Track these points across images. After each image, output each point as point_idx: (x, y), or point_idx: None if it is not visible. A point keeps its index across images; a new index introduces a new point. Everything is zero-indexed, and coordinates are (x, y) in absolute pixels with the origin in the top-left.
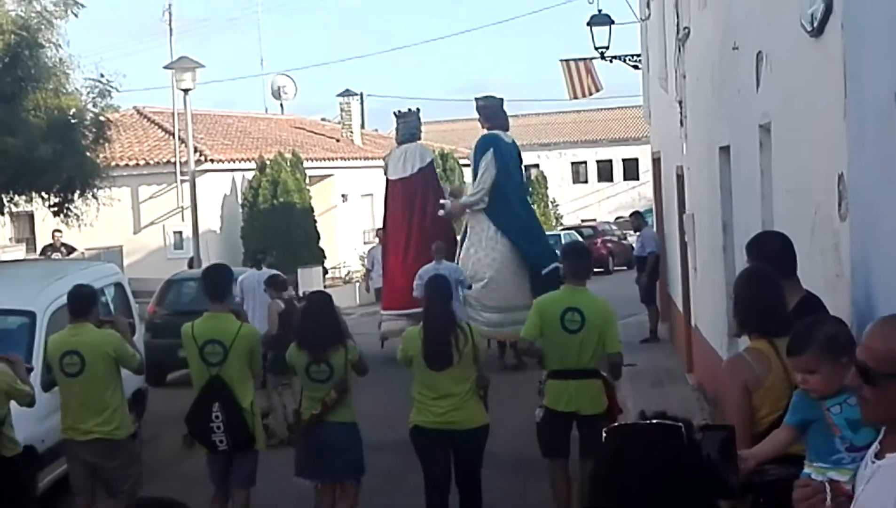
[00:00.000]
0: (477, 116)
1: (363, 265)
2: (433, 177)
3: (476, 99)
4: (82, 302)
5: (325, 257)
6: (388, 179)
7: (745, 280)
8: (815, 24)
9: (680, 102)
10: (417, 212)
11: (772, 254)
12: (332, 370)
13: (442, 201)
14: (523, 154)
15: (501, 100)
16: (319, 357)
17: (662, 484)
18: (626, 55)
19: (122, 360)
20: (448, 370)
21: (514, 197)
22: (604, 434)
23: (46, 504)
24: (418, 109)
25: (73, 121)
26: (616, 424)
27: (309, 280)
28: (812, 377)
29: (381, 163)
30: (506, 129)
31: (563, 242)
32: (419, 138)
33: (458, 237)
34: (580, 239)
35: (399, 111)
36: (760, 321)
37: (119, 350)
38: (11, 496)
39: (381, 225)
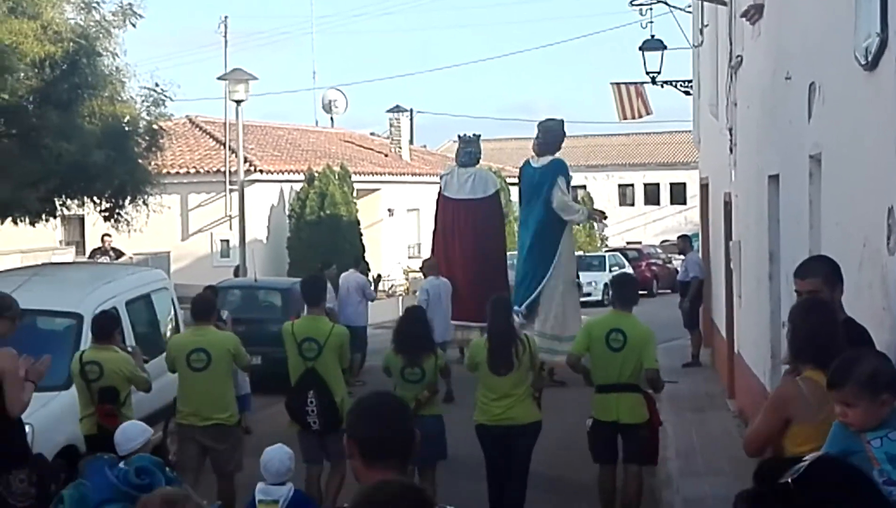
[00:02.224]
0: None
1: (406, 280)
2: (498, 204)
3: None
4: (205, 307)
5: (369, 270)
6: (446, 197)
7: (803, 310)
8: (870, 58)
9: (730, 130)
10: (480, 232)
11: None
12: (423, 373)
13: None
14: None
15: (557, 122)
16: (414, 362)
17: None
18: (678, 81)
19: (238, 357)
20: (509, 374)
21: (531, 222)
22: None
23: None
24: (479, 136)
25: (126, 128)
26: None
27: None
28: (850, 411)
29: (428, 179)
30: (540, 152)
31: (607, 263)
32: (478, 163)
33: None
34: (625, 261)
35: (462, 135)
36: (815, 352)
37: (237, 349)
38: None
39: (420, 242)
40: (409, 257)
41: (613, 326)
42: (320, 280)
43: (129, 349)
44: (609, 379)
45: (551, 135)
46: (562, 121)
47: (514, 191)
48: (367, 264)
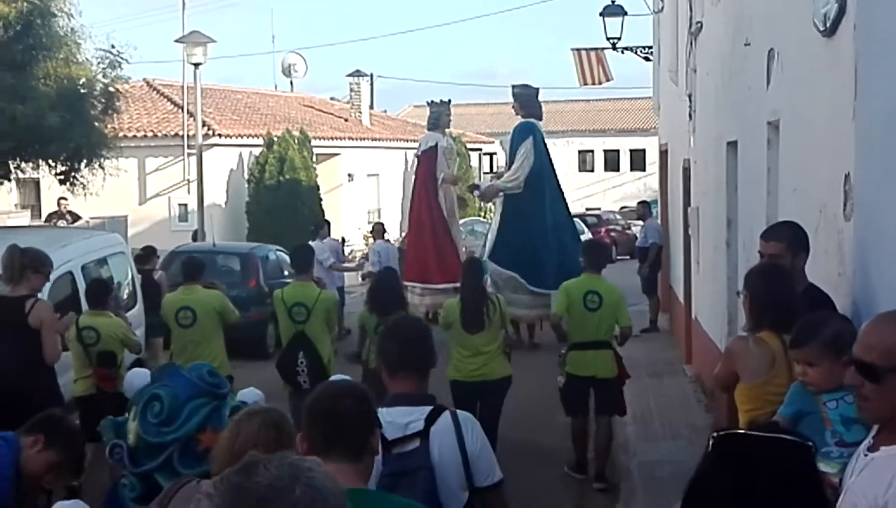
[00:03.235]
0: (512, 102)
1: (366, 244)
2: (429, 161)
3: (513, 86)
4: (194, 268)
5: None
6: None
7: (761, 275)
8: (828, 24)
9: (689, 96)
10: (419, 193)
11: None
12: None
13: (476, 183)
14: None
15: (537, 90)
16: (387, 320)
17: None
18: (638, 47)
19: (224, 314)
20: (481, 333)
21: (548, 188)
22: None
23: None
24: (449, 101)
25: (82, 91)
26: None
27: None
28: (812, 371)
29: (389, 144)
30: (540, 118)
31: None
32: (443, 126)
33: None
34: (584, 227)
35: (431, 100)
36: (775, 316)
37: (222, 307)
38: None
39: (381, 207)
40: (369, 223)
41: (589, 288)
42: (308, 249)
43: (118, 313)
44: (586, 337)
45: (528, 98)
46: (537, 88)
47: (475, 156)
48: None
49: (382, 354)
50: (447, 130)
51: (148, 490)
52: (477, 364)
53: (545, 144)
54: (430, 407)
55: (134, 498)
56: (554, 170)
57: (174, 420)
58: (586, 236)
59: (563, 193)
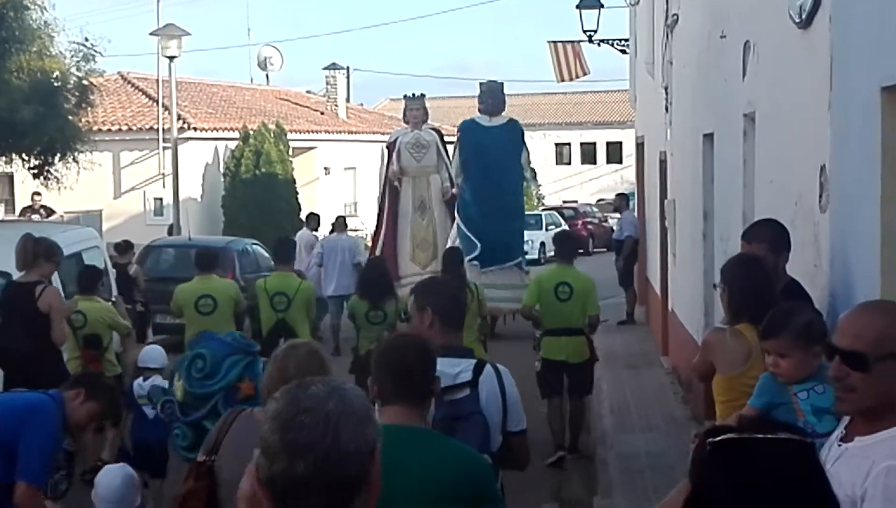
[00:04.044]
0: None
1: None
2: (388, 156)
3: (480, 84)
4: (209, 258)
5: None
6: None
7: (739, 267)
8: (804, 16)
9: (666, 88)
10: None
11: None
12: (385, 316)
13: (447, 185)
14: None
15: (499, 84)
16: (377, 305)
17: None
18: (614, 39)
19: (238, 303)
20: None
21: (485, 181)
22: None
23: None
24: (423, 95)
25: (56, 84)
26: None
27: None
28: (783, 362)
29: (365, 137)
30: (492, 112)
31: (544, 222)
32: (410, 121)
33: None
34: (562, 220)
35: (406, 95)
36: (755, 310)
37: (238, 295)
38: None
39: (357, 200)
40: (348, 216)
41: (560, 279)
42: (290, 241)
43: (113, 299)
44: (559, 325)
45: (500, 96)
46: (502, 83)
47: (451, 149)
48: (304, 223)
49: (436, 309)
50: (426, 124)
51: (197, 438)
52: None
53: (498, 135)
54: (474, 360)
55: (185, 447)
56: (498, 158)
57: (216, 374)
58: (563, 228)
59: (509, 178)
